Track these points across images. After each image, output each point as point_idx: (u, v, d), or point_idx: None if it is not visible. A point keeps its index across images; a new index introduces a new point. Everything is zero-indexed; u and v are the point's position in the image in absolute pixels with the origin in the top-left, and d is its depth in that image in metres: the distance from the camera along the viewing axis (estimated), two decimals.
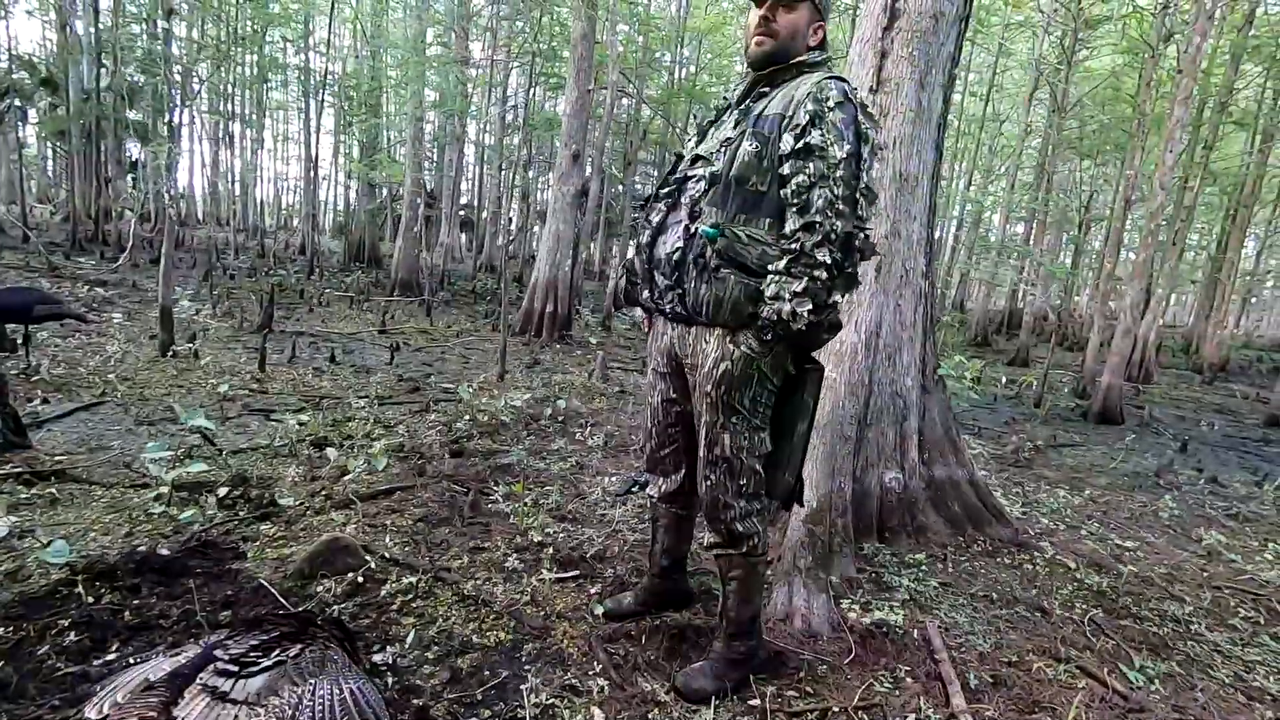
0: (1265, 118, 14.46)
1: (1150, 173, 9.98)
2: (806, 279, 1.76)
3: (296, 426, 4.11)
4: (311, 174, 16.13)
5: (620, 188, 21.05)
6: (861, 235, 1.82)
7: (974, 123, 21.64)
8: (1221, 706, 2.36)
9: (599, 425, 4.76)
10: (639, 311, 2.33)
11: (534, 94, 19.48)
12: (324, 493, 3.23)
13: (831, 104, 1.79)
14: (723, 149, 1.96)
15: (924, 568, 2.93)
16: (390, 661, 2.04)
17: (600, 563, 2.79)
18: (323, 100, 15.33)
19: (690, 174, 2.02)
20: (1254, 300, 27.21)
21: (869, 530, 3.07)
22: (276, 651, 1.60)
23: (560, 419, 4.84)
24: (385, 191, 16.90)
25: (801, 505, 2.28)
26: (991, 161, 23.09)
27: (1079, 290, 22.28)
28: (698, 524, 2.28)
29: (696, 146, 2.09)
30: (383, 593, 2.42)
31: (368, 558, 2.60)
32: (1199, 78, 9.38)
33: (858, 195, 1.78)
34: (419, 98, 11.91)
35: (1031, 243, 16.44)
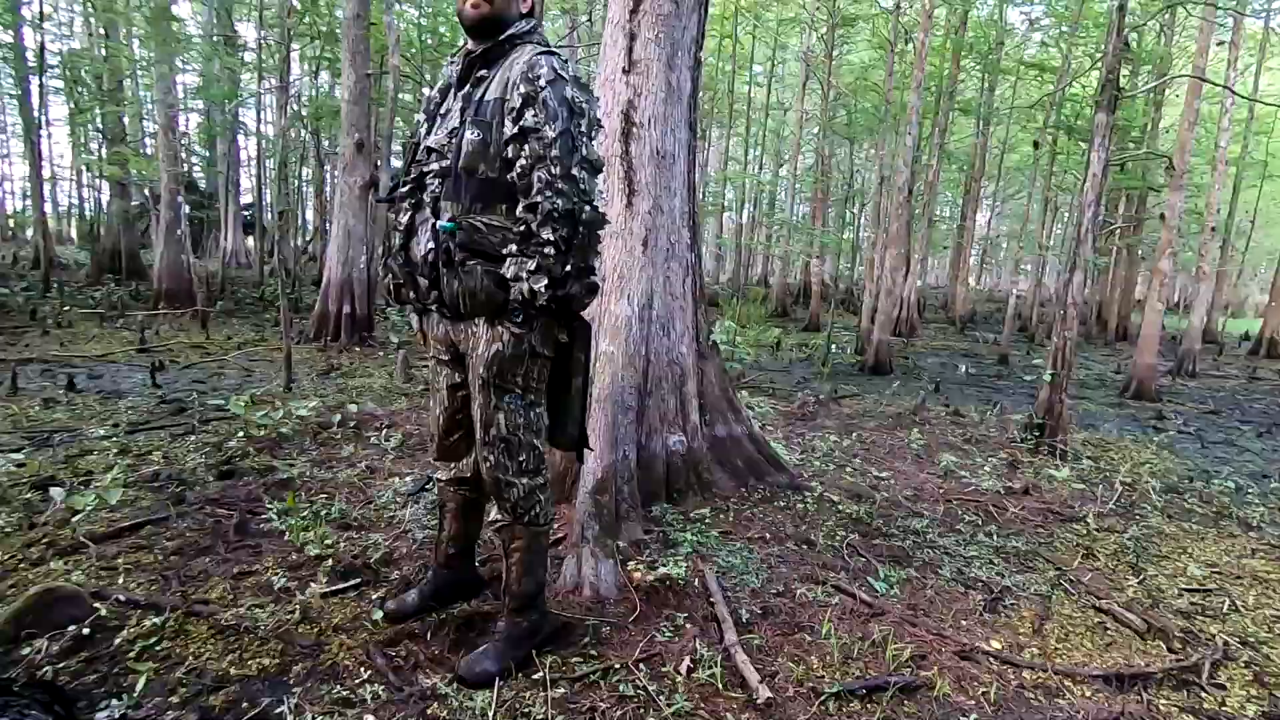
0: (984, 106, 17.13)
1: (899, 154, 11.43)
2: (538, 257, 1.81)
3: (11, 469, 3.45)
4: (38, 173, 13.56)
5: None
6: (587, 208, 1.86)
7: (760, 110, 23.45)
8: (945, 597, 2.79)
9: (396, 426, 4.53)
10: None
11: (316, 79, 17.95)
12: (45, 540, 2.75)
13: (543, 82, 1.83)
14: (450, 140, 1.97)
15: (708, 521, 3.14)
16: (118, 717, 1.79)
17: (386, 566, 2.66)
18: (43, 85, 12.93)
19: (426, 169, 2.02)
20: (990, 261, 32.30)
21: (657, 492, 3.22)
22: None
23: (353, 424, 4.54)
24: (146, 192, 14.69)
25: (591, 449, 2.34)
26: (779, 146, 25.21)
27: (858, 260, 25.03)
28: (487, 509, 2.27)
29: (427, 136, 2.06)
30: (117, 641, 2.11)
31: (97, 606, 2.25)
32: (927, 70, 10.86)
33: (574, 170, 1.81)
34: (166, 82, 10.45)
35: (813, 219, 18.15)
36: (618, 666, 2.09)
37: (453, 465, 2.24)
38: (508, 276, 1.85)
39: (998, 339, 14.20)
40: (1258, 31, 15.86)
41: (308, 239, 21.67)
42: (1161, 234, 9.59)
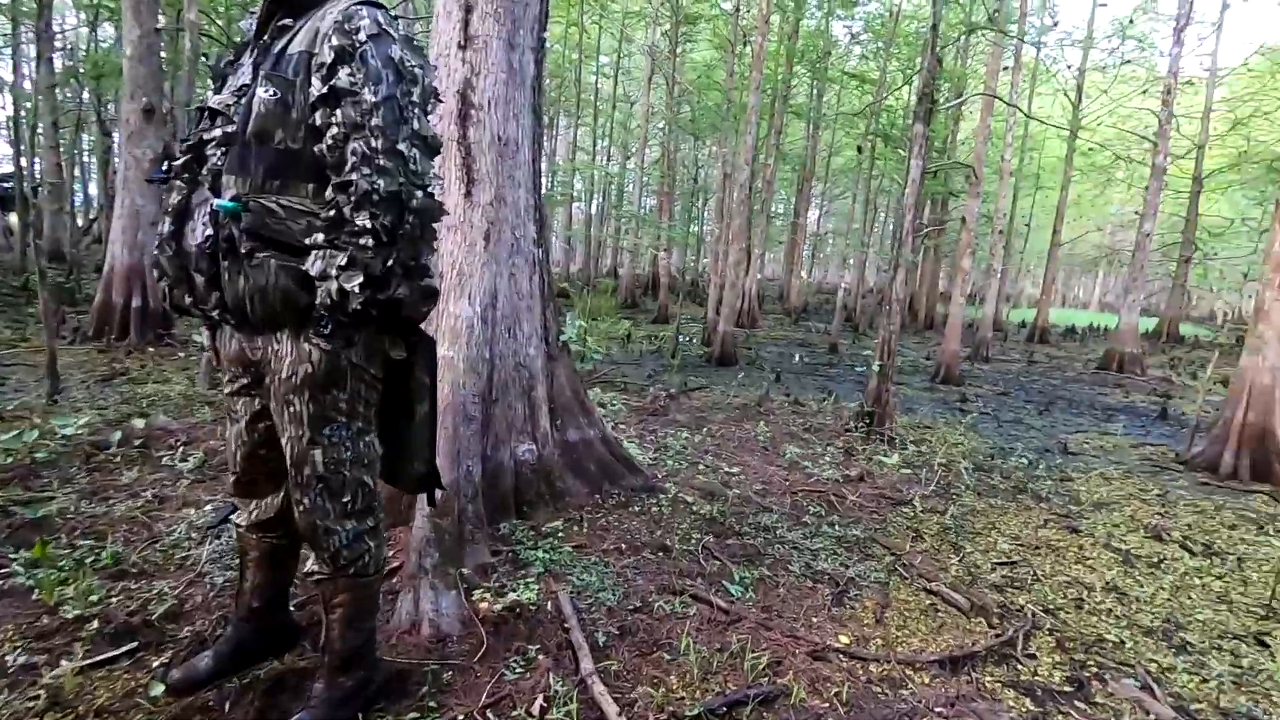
0: (814, 111, 18.34)
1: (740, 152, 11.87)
2: (351, 248, 1.49)
3: None
4: None
5: None
6: (419, 193, 1.56)
7: (607, 101, 23.49)
8: (796, 594, 2.83)
9: (196, 444, 3.89)
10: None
11: (95, 31, 15.34)
12: None
13: (363, 36, 1.52)
14: (238, 100, 1.60)
15: (561, 534, 2.97)
16: None
17: (173, 623, 2.21)
18: None
19: (206, 136, 1.63)
20: (820, 256, 34.94)
21: (506, 507, 2.99)
22: None
23: (139, 443, 3.83)
24: None
25: (443, 489, 2.05)
26: (626, 139, 25.41)
27: (703, 253, 25.95)
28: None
29: (214, 98, 1.67)
30: None
31: None
32: (764, 73, 11.35)
33: (402, 145, 1.52)
34: None
35: (660, 213, 18.50)
36: (461, 718, 1.86)
37: (254, 506, 1.86)
38: (312, 273, 1.51)
39: (828, 329, 15.29)
40: (1030, 60, 18.34)
41: (91, 218, 18.58)
42: (962, 235, 10.78)
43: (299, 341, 1.59)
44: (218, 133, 1.60)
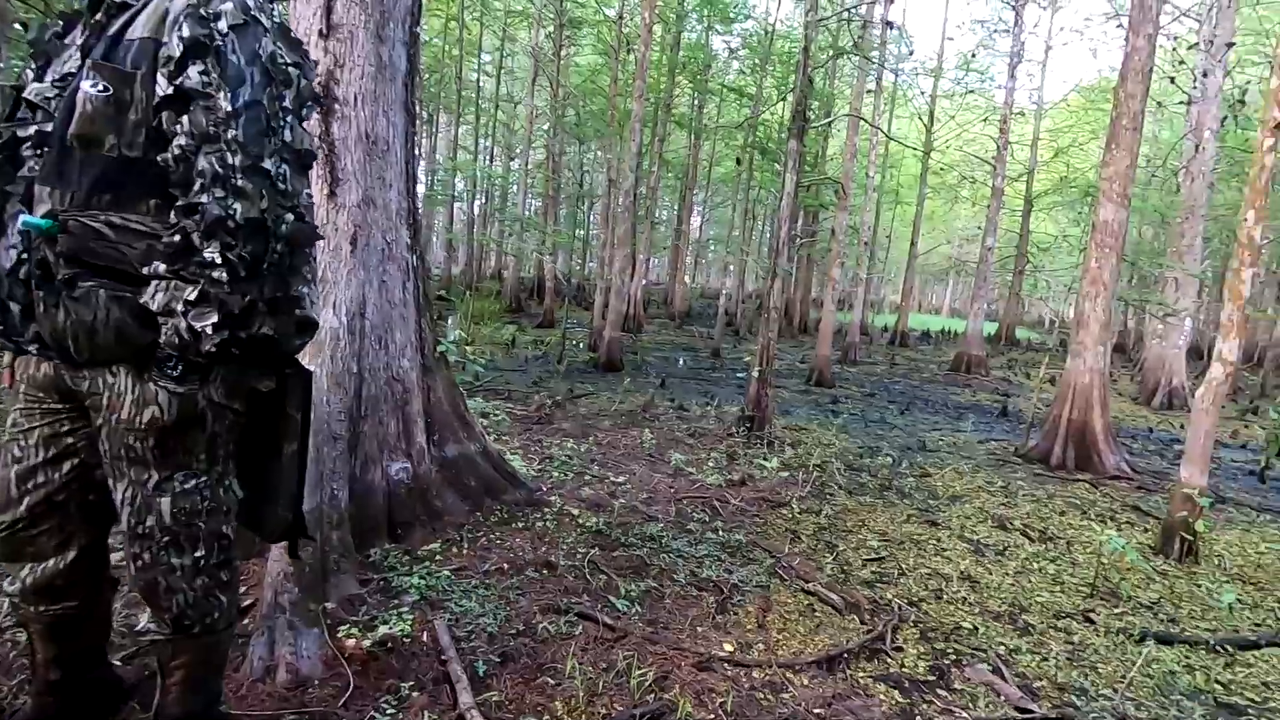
0: (695, 121, 18.85)
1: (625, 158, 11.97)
2: (202, 282, 1.26)
3: None
4: None
5: None
6: (289, 216, 1.34)
7: (490, 100, 22.97)
8: (682, 604, 2.84)
9: None
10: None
11: None
12: None
13: (224, 25, 1.29)
14: (59, 93, 1.33)
15: (439, 557, 2.81)
16: None
17: None
18: None
19: (21, 133, 1.35)
20: (702, 261, 35.98)
21: (378, 531, 2.79)
22: None
23: None
24: None
25: (310, 539, 1.83)
26: (510, 140, 24.94)
27: (589, 257, 25.97)
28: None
29: (32, 84, 1.39)
30: None
31: None
32: (648, 82, 11.51)
33: (268, 162, 1.30)
34: None
35: (545, 216, 18.31)
36: None
37: (28, 570, 1.48)
38: (153, 308, 1.27)
39: (711, 333, 15.74)
40: (890, 85, 19.87)
41: None
42: (832, 245, 11.44)
43: (143, 382, 1.34)
44: (33, 130, 1.33)
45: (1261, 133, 4.05)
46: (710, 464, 4.92)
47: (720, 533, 3.65)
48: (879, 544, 3.84)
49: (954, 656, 2.72)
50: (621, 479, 4.28)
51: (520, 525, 3.28)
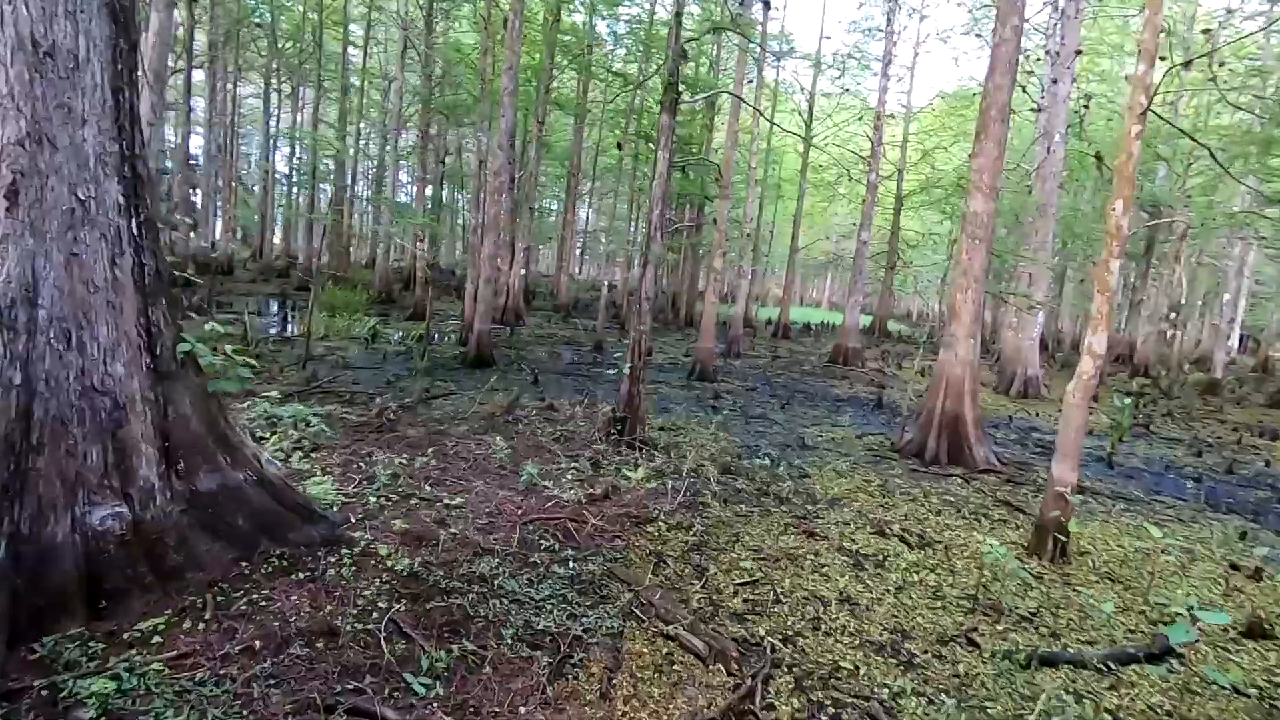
0: (579, 105, 18.14)
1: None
2: None
3: None
4: None
5: None
6: None
7: (357, 72, 21.18)
8: (505, 671, 2.22)
9: None
10: None
11: None
12: None
13: None
14: None
15: (159, 638, 2.03)
16: None
17: None
18: None
19: None
20: (590, 253, 35.34)
21: (64, 608, 1.98)
22: None
23: None
24: None
25: None
26: (383, 118, 23.11)
27: (468, 245, 24.67)
28: None
29: None
30: None
31: None
32: (525, 61, 10.71)
33: None
34: None
35: (418, 200, 17.01)
36: None
37: None
38: None
39: (595, 326, 15.18)
40: (772, 80, 20.07)
41: None
42: (715, 235, 11.16)
43: None
44: None
45: (1128, 120, 3.95)
46: (570, 475, 4.33)
47: (571, 564, 3.07)
48: (753, 564, 3.40)
49: (832, 710, 2.30)
50: (457, 501, 3.59)
51: (303, 575, 2.54)
